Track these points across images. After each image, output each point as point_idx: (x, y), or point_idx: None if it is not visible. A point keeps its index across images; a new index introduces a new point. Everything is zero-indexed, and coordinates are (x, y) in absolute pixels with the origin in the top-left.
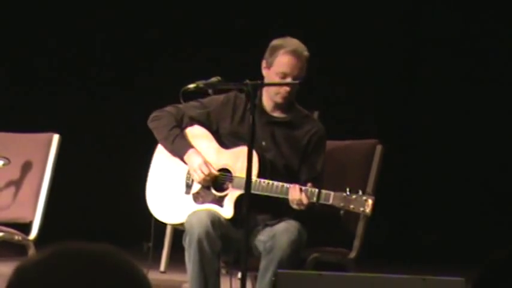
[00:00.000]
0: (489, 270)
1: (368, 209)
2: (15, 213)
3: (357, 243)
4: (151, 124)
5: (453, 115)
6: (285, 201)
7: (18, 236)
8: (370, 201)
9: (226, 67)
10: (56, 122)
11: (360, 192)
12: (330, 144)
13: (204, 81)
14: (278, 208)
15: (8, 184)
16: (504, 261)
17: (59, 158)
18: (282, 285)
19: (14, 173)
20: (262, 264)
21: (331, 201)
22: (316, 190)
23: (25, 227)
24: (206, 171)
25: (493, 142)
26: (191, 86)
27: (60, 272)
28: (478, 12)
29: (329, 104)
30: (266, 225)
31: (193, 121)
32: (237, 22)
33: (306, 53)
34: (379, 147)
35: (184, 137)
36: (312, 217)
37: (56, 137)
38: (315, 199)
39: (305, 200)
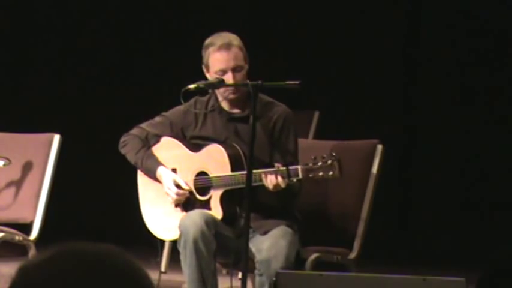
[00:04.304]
0: (494, 270)
1: (336, 171)
2: (16, 214)
3: (357, 243)
4: (121, 151)
5: (454, 113)
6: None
7: (18, 237)
8: (335, 163)
9: None
10: (56, 122)
11: (325, 156)
12: (330, 144)
13: (204, 82)
14: (261, 203)
15: (9, 184)
16: (509, 261)
17: (60, 158)
18: (282, 285)
19: (15, 174)
20: (257, 280)
21: (300, 175)
22: (285, 168)
23: (26, 228)
24: (175, 192)
25: (494, 141)
26: (192, 86)
27: (63, 272)
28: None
29: (329, 104)
30: (254, 231)
31: (159, 137)
32: (238, 21)
33: (236, 42)
34: (379, 147)
35: (150, 157)
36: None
37: (56, 137)
38: (286, 177)
39: (281, 181)
